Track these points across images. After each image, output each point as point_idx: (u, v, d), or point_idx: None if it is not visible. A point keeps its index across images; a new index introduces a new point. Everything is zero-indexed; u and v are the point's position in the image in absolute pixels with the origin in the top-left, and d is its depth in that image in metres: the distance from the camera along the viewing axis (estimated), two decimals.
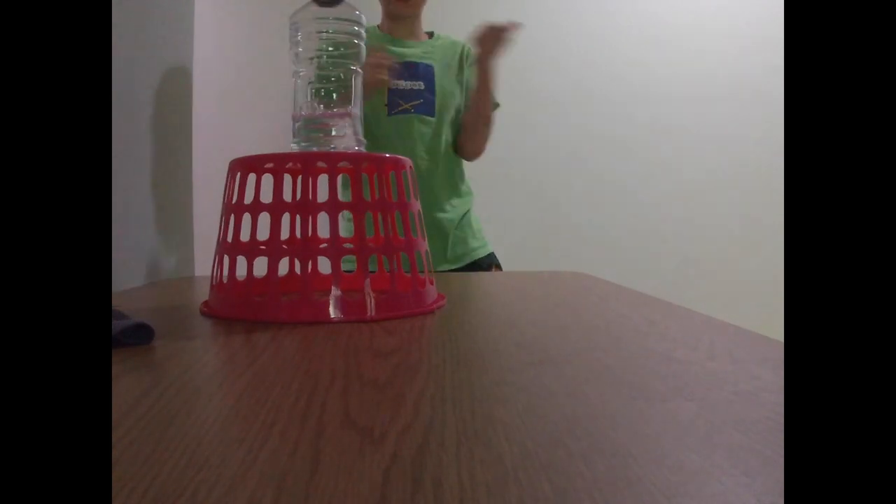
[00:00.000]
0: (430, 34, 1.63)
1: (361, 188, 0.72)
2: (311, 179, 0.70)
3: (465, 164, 1.63)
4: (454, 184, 1.60)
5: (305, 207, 0.69)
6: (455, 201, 1.59)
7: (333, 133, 0.77)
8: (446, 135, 1.56)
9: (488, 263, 1.61)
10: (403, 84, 1.50)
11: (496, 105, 1.58)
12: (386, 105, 1.49)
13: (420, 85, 1.52)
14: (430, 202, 1.51)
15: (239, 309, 0.70)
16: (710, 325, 0.65)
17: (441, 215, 1.56)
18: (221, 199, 0.75)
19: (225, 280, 0.72)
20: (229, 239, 0.72)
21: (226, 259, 0.72)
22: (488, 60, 1.48)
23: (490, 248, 1.64)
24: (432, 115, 1.52)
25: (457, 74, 1.58)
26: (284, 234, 0.71)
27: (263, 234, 0.69)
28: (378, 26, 1.61)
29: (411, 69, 1.52)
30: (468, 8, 2.40)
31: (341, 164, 0.73)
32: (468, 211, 1.62)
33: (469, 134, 1.57)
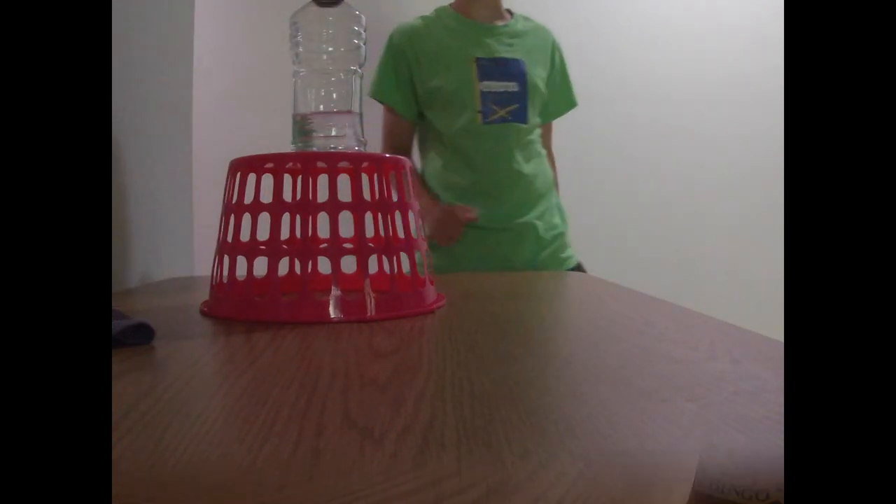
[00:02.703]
0: (510, 12, 1.43)
1: (361, 188, 0.72)
2: (311, 179, 0.70)
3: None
4: (549, 186, 1.43)
5: (305, 207, 0.69)
6: (550, 205, 1.42)
7: (333, 133, 0.77)
8: (535, 133, 1.40)
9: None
10: (496, 85, 1.32)
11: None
12: (480, 112, 1.30)
13: (514, 86, 1.33)
14: (532, 208, 1.37)
15: (239, 309, 0.70)
16: (710, 325, 0.65)
17: (537, 222, 1.38)
18: (221, 199, 0.75)
19: (225, 280, 0.72)
20: (229, 239, 0.72)
21: (226, 259, 0.72)
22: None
23: (576, 259, 1.46)
24: (525, 122, 1.35)
25: (541, 71, 1.39)
26: (284, 234, 0.71)
27: (263, 234, 0.69)
28: (450, 4, 1.42)
29: (502, 66, 1.33)
30: None
31: (341, 164, 0.73)
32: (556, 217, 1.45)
33: None
